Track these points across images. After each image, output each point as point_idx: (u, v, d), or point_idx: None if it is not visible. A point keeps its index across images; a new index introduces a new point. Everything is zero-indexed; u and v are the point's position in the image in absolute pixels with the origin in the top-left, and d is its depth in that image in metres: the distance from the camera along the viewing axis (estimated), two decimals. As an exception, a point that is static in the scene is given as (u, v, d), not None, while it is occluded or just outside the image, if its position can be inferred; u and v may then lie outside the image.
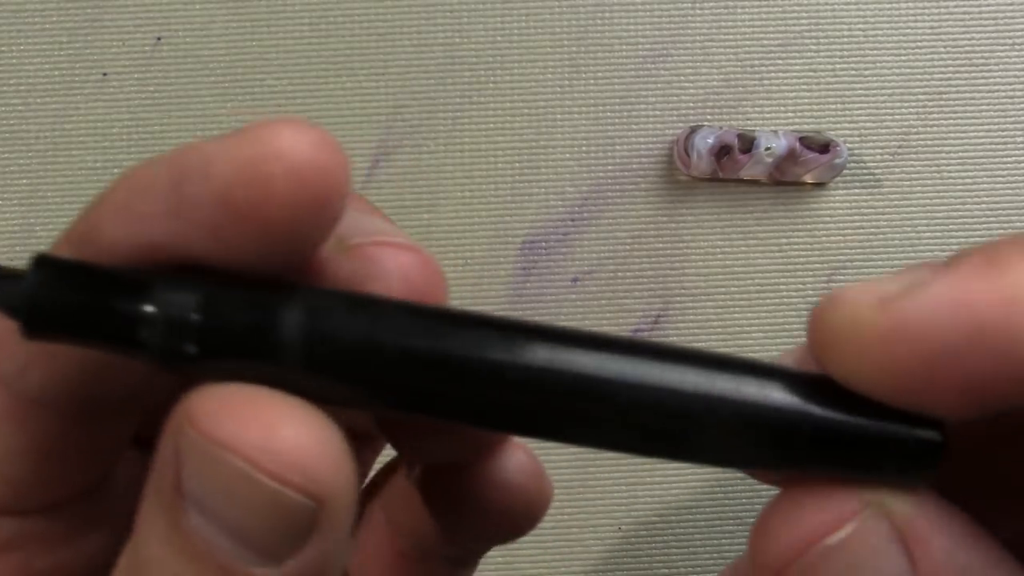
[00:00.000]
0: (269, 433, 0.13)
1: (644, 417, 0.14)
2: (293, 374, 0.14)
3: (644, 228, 0.38)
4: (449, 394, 0.14)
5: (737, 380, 0.14)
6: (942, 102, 0.38)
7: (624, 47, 0.38)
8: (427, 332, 0.14)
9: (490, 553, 0.40)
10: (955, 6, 0.39)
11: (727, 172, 0.37)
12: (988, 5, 0.39)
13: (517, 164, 0.38)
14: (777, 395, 0.14)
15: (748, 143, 0.36)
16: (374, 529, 0.21)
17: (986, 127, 0.38)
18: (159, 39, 0.37)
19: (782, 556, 0.14)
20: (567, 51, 0.38)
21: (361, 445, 0.21)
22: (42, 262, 0.14)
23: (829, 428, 0.14)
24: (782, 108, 0.38)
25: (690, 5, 0.38)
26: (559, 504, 0.37)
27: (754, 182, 0.38)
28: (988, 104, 0.38)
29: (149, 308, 0.14)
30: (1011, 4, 0.39)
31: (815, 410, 0.14)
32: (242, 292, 0.14)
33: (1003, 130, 0.38)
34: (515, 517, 0.19)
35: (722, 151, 0.37)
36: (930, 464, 0.14)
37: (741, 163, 0.37)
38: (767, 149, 0.36)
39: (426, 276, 0.15)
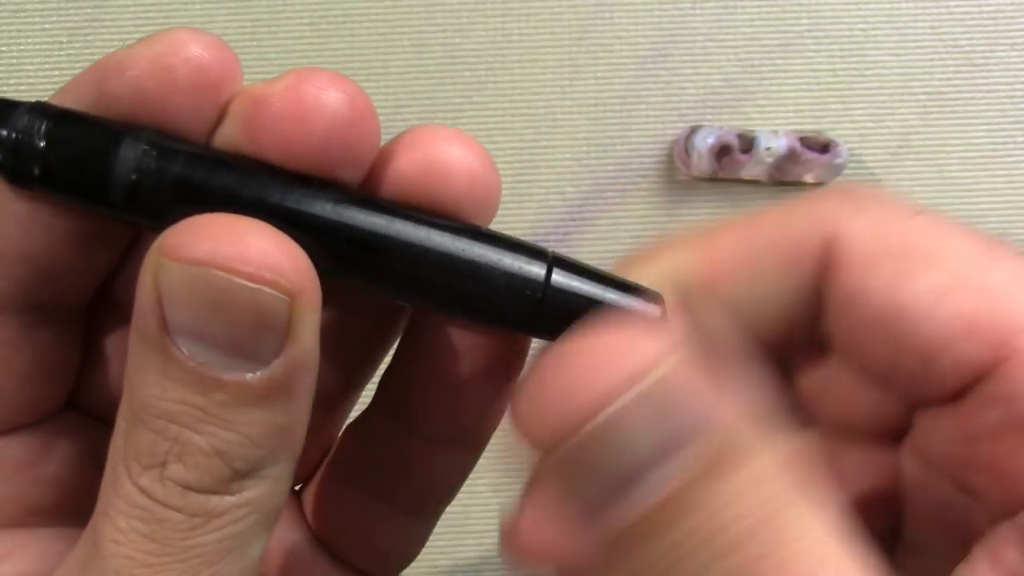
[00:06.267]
0: (240, 245, 0.15)
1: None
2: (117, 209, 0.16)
3: (644, 228, 0.38)
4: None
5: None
6: (942, 102, 0.38)
7: (624, 47, 0.38)
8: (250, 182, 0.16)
9: (490, 553, 0.40)
10: (955, 6, 0.39)
11: (727, 172, 0.37)
12: (988, 5, 0.39)
13: (517, 164, 0.38)
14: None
15: (748, 143, 0.36)
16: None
17: (986, 127, 0.38)
18: (159, 39, 0.37)
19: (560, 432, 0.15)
20: (567, 51, 0.38)
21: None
22: None
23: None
24: (782, 108, 0.38)
25: (690, 5, 0.38)
26: (559, 504, 0.37)
27: (754, 182, 0.38)
28: (988, 104, 0.38)
29: (3, 132, 0.16)
30: (1011, 4, 0.39)
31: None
32: (85, 126, 0.16)
33: (1003, 130, 0.38)
34: None
35: (722, 151, 0.37)
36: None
37: (741, 163, 0.37)
38: (767, 149, 0.36)
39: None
